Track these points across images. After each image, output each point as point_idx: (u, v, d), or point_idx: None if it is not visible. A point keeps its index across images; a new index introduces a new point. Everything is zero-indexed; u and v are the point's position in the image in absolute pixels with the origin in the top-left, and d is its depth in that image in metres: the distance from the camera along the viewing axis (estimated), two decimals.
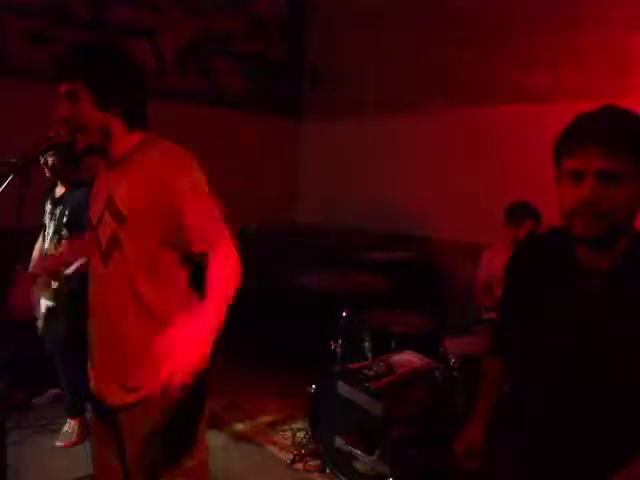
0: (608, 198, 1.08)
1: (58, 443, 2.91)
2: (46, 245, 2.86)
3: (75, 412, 2.98)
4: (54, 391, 3.29)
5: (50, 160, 2.76)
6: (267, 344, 4.09)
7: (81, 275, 2.67)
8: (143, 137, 1.44)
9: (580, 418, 1.20)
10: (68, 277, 2.69)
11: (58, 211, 2.82)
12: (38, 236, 2.96)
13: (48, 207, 2.90)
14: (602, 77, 3.24)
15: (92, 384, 1.52)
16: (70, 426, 2.96)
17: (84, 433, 2.92)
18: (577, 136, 1.13)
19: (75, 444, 2.90)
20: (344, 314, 2.95)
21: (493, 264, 3.10)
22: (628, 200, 1.10)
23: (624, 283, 1.16)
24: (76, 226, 2.67)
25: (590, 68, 3.30)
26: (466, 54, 3.94)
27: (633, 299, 1.14)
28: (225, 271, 1.30)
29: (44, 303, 2.85)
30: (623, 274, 1.16)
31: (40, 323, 2.90)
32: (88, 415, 2.95)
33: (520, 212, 3.00)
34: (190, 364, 1.11)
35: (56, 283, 2.77)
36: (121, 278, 1.39)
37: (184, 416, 1.43)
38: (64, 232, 2.76)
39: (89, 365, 1.53)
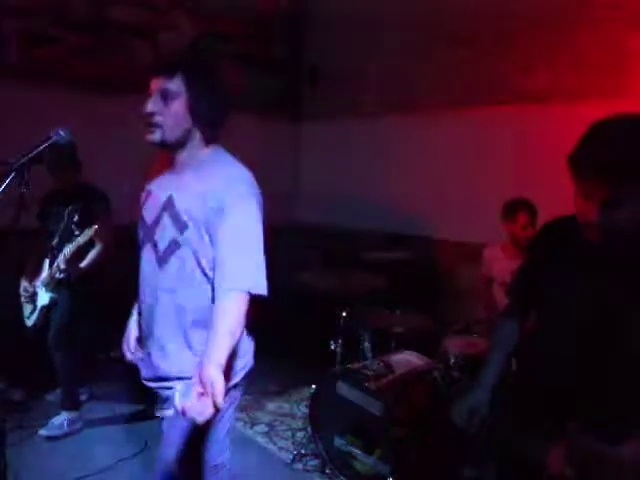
0: (610, 219, 1.18)
1: (42, 432, 2.85)
2: (54, 242, 2.91)
3: (69, 405, 2.97)
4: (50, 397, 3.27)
5: (50, 159, 2.77)
6: (267, 344, 4.08)
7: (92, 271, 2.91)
8: (213, 150, 1.50)
9: (593, 384, 1.26)
10: (81, 269, 2.86)
11: (66, 212, 2.87)
12: (37, 236, 2.97)
13: (53, 209, 2.93)
14: (601, 77, 3.24)
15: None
16: (60, 418, 2.92)
17: (73, 429, 2.92)
18: (581, 166, 1.20)
19: (57, 437, 2.86)
20: (344, 314, 2.95)
21: (493, 262, 3.14)
22: (629, 219, 1.18)
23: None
24: (87, 225, 2.75)
25: (589, 68, 3.30)
26: (466, 54, 3.94)
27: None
28: (221, 321, 1.32)
29: (46, 295, 2.90)
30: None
31: (34, 316, 2.93)
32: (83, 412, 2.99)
33: (513, 207, 2.97)
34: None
35: (61, 275, 2.84)
36: (172, 280, 1.45)
37: None
38: (76, 231, 2.80)
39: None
